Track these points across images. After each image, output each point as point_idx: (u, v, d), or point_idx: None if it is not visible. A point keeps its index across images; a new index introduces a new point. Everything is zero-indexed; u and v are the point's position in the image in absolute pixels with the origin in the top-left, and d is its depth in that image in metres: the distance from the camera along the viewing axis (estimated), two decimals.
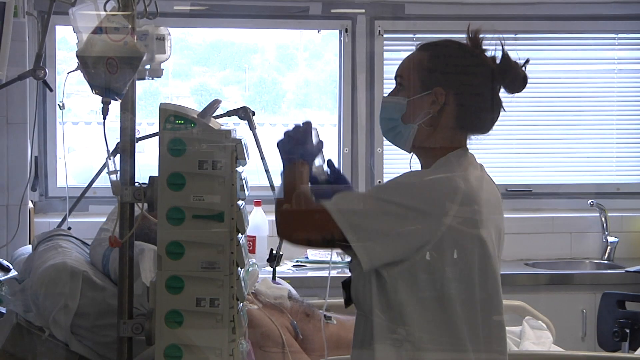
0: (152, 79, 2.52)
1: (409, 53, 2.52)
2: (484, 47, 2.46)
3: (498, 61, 2.44)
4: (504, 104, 2.46)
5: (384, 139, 2.60)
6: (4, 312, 2.91)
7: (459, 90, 2.41)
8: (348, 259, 2.35)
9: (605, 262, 5.02)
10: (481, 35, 2.44)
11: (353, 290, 2.40)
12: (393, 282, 2.30)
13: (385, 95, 2.52)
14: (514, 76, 2.43)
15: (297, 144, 2.44)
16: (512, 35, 5.13)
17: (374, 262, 2.29)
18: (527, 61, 2.45)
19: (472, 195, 2.32)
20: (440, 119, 2.41)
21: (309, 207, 2.37)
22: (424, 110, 2.41)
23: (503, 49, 2.44)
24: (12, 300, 2.78)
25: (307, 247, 2.46)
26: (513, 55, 2.45)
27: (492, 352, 2.40)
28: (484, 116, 2.45)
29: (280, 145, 2.46)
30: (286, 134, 2.46)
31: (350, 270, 2.45)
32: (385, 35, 5.08)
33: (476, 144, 2.49)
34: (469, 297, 2.32)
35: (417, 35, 5.08)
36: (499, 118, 2.48)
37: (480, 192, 2.35)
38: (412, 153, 2.48)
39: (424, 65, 2.44)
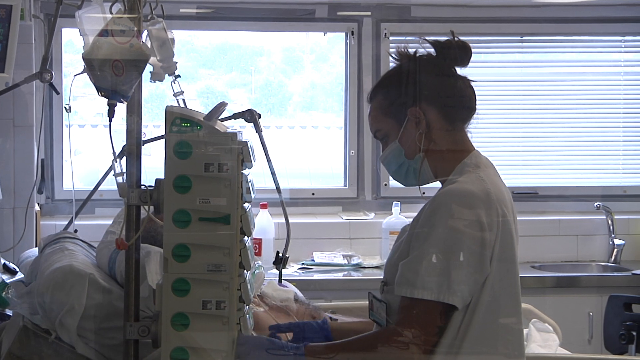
0: (154, 82, 2.52)
1: None
2: (411, 52, 2.52)
3: (434, 51, 2.48)
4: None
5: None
6: (11, 314, 2.92)
7: (424, 94, 2.45)
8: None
9: (612, 264, 5.01)
10: (399, 46, 2.53)
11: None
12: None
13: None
14: (454, 50, 2.46)
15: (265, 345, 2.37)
16: (519, 38, 5.13)
17: (466, 300, 2.31)
18: (452, 32, 2.48)
19: (501, 197, 2.35)
20: (432, 129, 2.42)
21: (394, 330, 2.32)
22: (416, 134, 2.43)
23: (427, 40, 2.49)
24: (19, 303, 2.77)
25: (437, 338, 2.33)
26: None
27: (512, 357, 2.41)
28: (460, 97, 2.48)
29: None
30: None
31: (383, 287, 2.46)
32: (391, 38, 5.08)
33: (481, 147, 2.50)
34: (495, 301, 2.34)
35: (423, 38, 5.07)
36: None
37: (505, 192, 2.39)
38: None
39: (384, 106, 2.50)
